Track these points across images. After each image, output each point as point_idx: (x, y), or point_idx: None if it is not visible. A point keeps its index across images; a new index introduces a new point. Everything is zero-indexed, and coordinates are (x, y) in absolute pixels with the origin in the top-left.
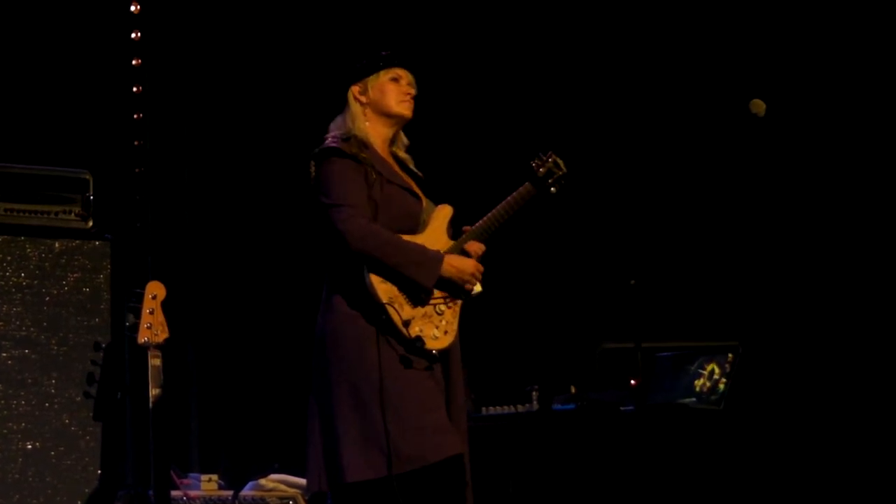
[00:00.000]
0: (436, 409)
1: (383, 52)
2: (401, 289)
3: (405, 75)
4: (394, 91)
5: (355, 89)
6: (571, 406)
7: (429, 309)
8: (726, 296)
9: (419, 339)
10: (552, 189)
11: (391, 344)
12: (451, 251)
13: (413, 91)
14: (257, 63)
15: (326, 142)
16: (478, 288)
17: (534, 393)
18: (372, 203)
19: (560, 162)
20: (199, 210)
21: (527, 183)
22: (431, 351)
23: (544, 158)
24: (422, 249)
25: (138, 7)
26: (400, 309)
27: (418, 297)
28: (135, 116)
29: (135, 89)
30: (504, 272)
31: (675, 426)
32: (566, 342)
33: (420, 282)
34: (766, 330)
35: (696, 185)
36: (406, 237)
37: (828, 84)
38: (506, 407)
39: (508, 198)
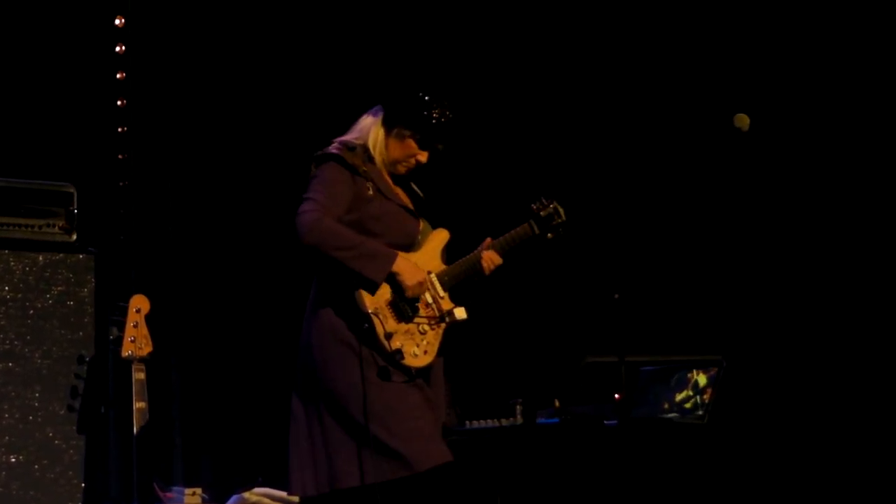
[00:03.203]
0: (420, 418)
1: (440, 127)
2: (388, 303)
3: (426, 156)
4: (412, 161)
5: (398, 129)
6: (555, 420)
7: (412, 327)
8: (710, 310)
9: (398, 352)
10: (549, 234)
11: (373, 355)
12: (444, 274)
13: (414, 165)
14: (242, 76)
15: (332, 146)
16: (462, 314)
17: (518, 406)
18: (367, 217)
19: (561, 210)
20: (183, 223)
21: (525, 224)
22: (410, 368)
23: (546, 203)
24: (374, 245)
25: (123, 21)
26: (384, 321)
27: (403, 312)
28: (119, 130)
29: (119, 103)
30: (488, 286)
31: (658, 440)
32: (550, 356)
33: (368, 275)
34: (750, 344)
35: (679, 199)
36: (398, 254)
37: (811, 99)
38: (490, 421)
39: (506, 234)
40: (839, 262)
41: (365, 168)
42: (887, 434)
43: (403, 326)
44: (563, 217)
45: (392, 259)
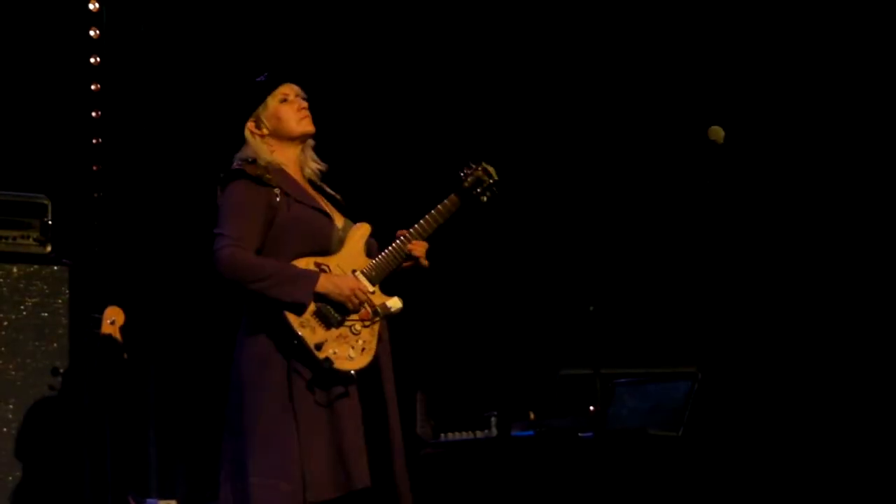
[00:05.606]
0: (345, 436)
1: (260, 78)
2: (312, 313)
3: (291, 91)
4: (288, 112)
5: (250, 125)
6: (530, 432)
7: (343, 330)
8: (685, 322)
9: (327, 360)
10: (483, 198)
11: (301, 371)
12: (371, 269)
13: (305, 104)
14: (216, 87)
15: (233, 165)
16: (398, 305)
17: (493, 419)
18: (278, 225)
19: (491, 170)
20: (157, 234)
21: (452, 194)
22: (348, 371)
23: (473, 167)
24: (293, 269)
25: (97, 32)
26: (312, 333)
27: (331, 318)
28: (93, 141)
29: (94, 114)
30: (462, 298)
31: (633, 453)
32: (525, 368)
33: (294, 300)
34: (725, 356)
35: (654, 211)
36: (318, 259)
37: (787, 109)
38: (464, 433)
39: (433, 210)
40: (815, 273)
41: (269, 176)
42: (863, 445)
43: (334, 332)
44: (495, 177)
45: (314, 280)
